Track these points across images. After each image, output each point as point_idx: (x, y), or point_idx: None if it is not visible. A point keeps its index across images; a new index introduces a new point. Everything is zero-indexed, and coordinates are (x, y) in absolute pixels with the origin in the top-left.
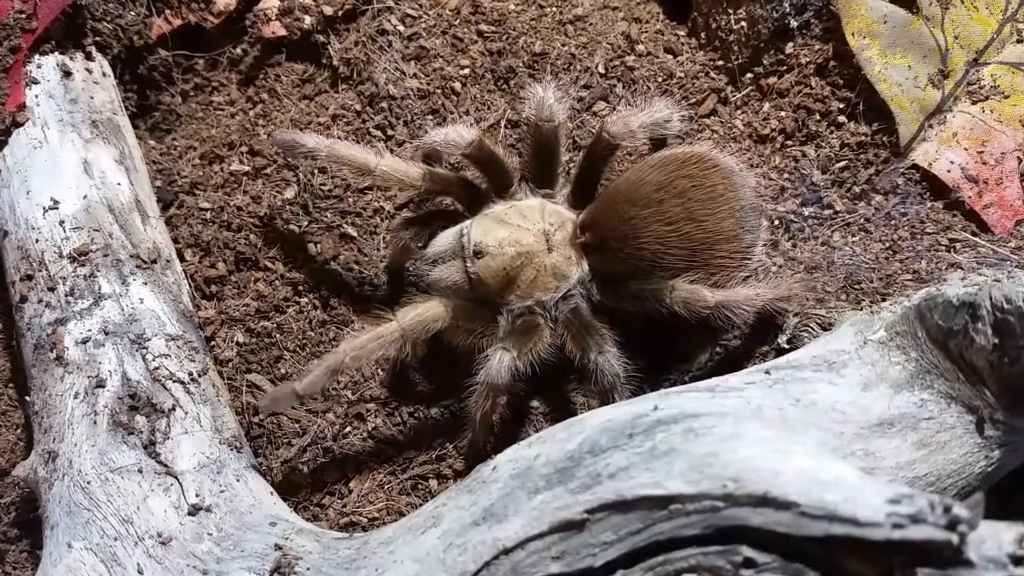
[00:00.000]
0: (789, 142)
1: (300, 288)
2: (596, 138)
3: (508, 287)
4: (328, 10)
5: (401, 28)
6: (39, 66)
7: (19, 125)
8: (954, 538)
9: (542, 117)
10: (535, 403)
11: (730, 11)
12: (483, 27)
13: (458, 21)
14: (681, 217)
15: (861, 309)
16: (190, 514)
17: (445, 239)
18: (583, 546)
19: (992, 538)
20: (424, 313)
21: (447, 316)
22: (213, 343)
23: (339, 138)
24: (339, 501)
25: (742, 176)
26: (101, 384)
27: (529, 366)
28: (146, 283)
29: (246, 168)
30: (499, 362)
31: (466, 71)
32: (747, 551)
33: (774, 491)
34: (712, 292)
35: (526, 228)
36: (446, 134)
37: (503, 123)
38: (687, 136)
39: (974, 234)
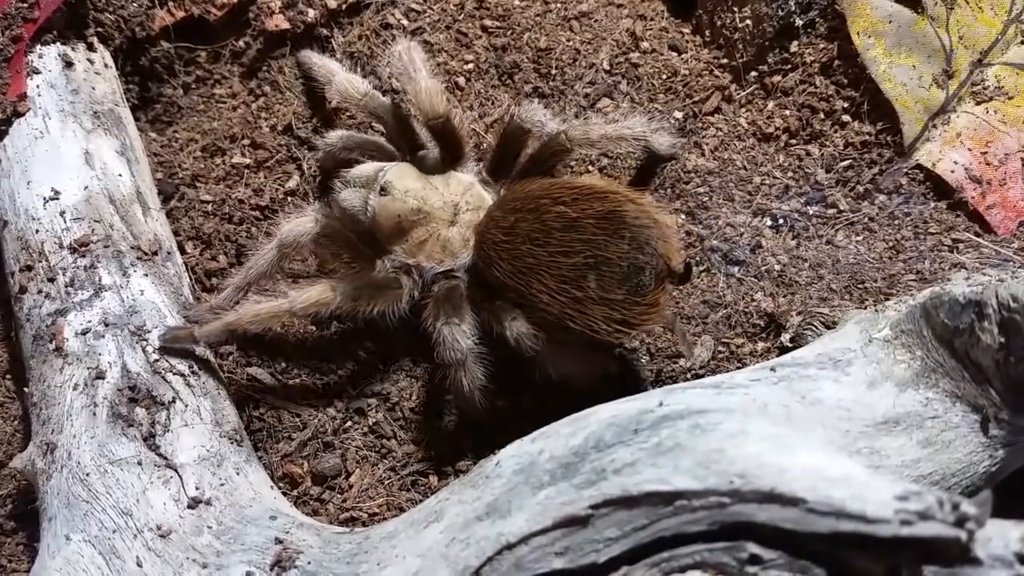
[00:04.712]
0: (793, 141)
1: (301, 282)
2: (552, 138)
3: (397, 236)
4: (332, 3)
5: (405, 22)
6: (41, 56)
7: (20, 115)
8: (962, 535)
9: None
10: (533, 400)
11: (735, 9)
12: (487, 22)
13: (462, 16)
14: (520, 233)
15: (865, 308)
16: (190, 507)
17: (367, 167)
18: (587, 542)
19: (999, 536)
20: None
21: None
22: None
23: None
24: (339, 496)
25: (636, 230)
26: (101, 376)
27: (362, 320)
28: (147, 275)
29: (248, 161)
30: (318, 293)
31: (470, 66)
32: (753, 547)
33: (781, 487)
34: (541, 344)
35: (440, 193)
36: (417, 94)
37: (507, 119)
38: (674, 156)
39: (977, 235)
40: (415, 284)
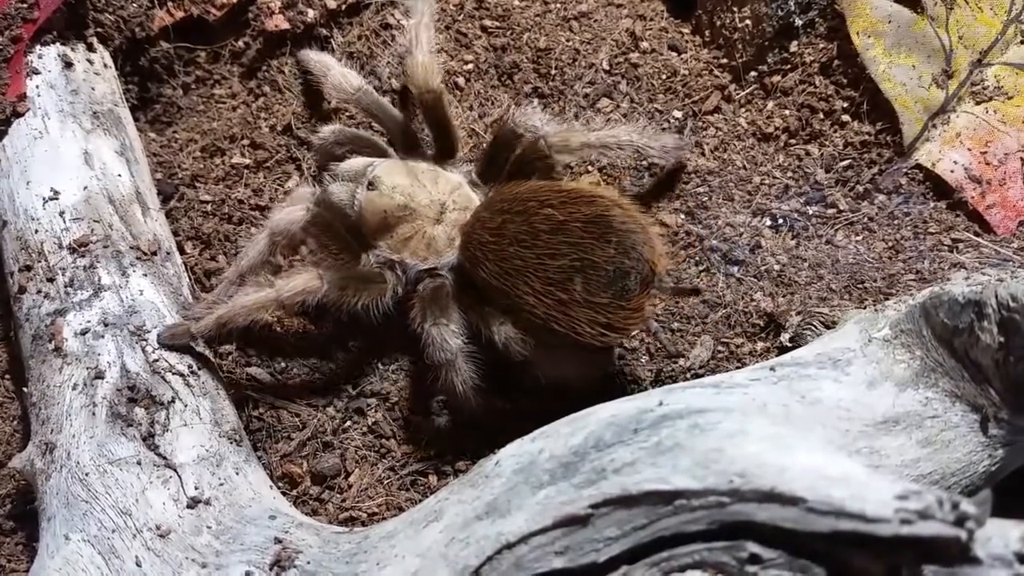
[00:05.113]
0: (793, 140)
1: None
2: (531, 144)
3: (382, 232)
4: (331, 3)
5: (405, 23)
6: (40, 56)
7: (20, 115)
8: (962, 535)
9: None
10: (532, 400)
11: (734, 9)
12: (487, 22)
13: (462, 16)
14: (507, 234)
15: (864, 307)
16: (189, 507)
17: (357, 162)
18: (587, 541)
19: (999, 536)
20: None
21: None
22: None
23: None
24: (338, 496)
25: (622, 235)
26: (100, 375)
27: (346, 312)
28: (146, 275)
29: (247, 161)
30: (304, 281)
31: (470, 66)
32: (753, 547)
33: (781, 487)
34: (529, 348)
35: (427, 191)
36: (413, 68)
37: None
38: (680, 163)
39: (977, 234)
40: (399, 280)
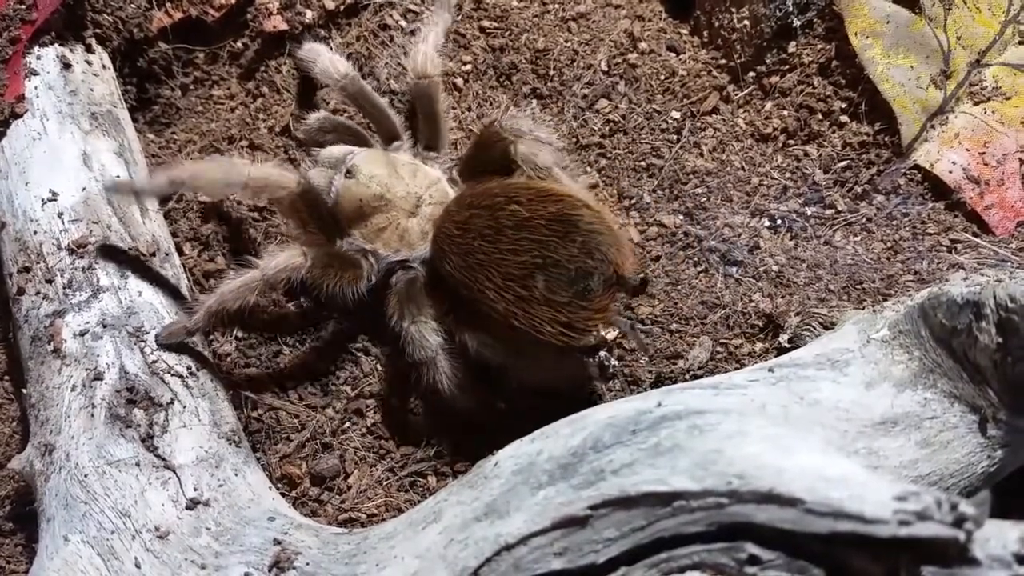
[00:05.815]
0: (791, 141)
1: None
2: (504, 147)
3: (357, 220)
4: (330, 4)
5: (403, 23)
6: (39, 57)
7: (18, 116)
8: (961, 536)
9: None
10: (531, 401)
11: (733, 10)
12: (485, 23)
13: (460, 17)
14: (473, 228)
15: (863, 308)
16: (188, 508)
17: (338, 149)
18: (586, 542)
19: (997, 537)
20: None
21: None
22: (212, 337)
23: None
24: (337, 497)
25: (587, 235)
26: (99, 377)
27: (325, 294)
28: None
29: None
30: (288, 257)
31: (468, 67)
32: (752, 548)
33: (779, 488)
34: (501, 354)
35: (405, 183)
36: (415, 55)
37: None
38: None
39: (975, 235)
40: (371, 269)
